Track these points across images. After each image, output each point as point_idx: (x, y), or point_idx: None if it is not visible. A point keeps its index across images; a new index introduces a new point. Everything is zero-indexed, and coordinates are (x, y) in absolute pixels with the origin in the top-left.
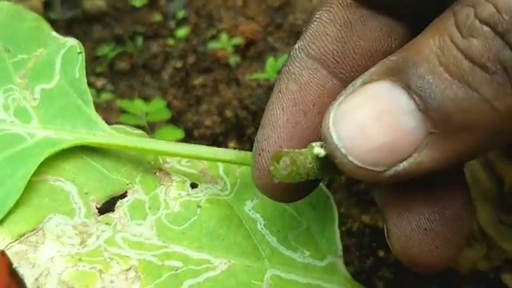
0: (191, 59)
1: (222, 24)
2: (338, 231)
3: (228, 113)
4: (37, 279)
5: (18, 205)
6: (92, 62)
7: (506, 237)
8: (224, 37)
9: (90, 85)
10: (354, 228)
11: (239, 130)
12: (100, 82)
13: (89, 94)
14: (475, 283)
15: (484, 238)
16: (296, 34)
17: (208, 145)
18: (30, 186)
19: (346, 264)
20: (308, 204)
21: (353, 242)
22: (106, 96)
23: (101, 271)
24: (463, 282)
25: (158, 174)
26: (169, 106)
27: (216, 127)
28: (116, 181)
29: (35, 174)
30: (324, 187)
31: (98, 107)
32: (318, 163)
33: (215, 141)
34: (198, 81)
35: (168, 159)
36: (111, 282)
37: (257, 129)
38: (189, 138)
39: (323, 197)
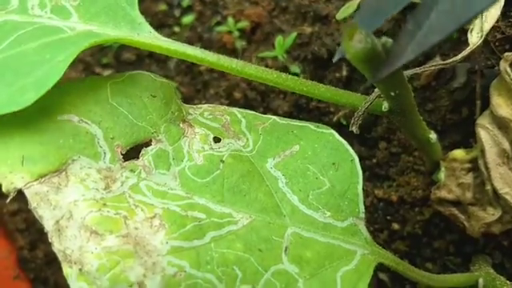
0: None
1: (226, 10)
2: (361, 193)
3: (236, 94)
4: (57, 222)
5: (40, 143)
6: (98, 52)
7: None
8: (230, 20)
9: (97, 75)
10: (367, 202)
11: (250, 107)
12: (106, 72)
13: None
14: (489, 251)
15: (499, 202)
16: (302, 15)
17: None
18: (53, 125)
19: None
20: (331, 164)
21: (366, 216)
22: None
23: (125, 217)
24: (478, 251)
25: (181, 125)
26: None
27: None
28: (141, 128)
29: (59, 111)
30: (349, 148)
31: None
32: None
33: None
34: (204, 66)
35: (191, 111)
36: (135, 228)
37: (266, 109)
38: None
39: (348, 158)
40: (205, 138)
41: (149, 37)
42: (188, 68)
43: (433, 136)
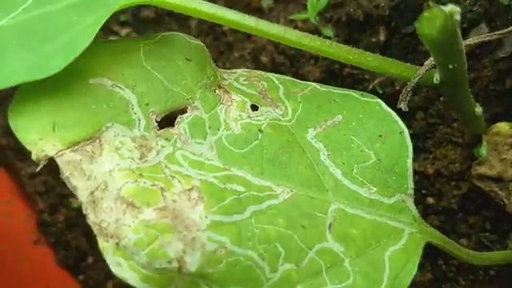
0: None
1: None
2: (411, 168)
3: (263, 58)
4: (92, 193)
5: (72, 108)
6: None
7: None
8: None
9: (115, 34)
10: None
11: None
12: (124, 31)
13: None
14: None
15: None
16: None
17: None
18: (85, 89)
19: None
20: (377, 136)
21: None
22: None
23: (162, 189)
24: None
25: (217, 91)
26: None
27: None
28: (177, 94)
29: (91, 74)
30: (398, 119)
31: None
32: None
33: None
34: (227, 27)
35: (225, 76)
36: (173, 201)
37: (296, 74)
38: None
39: (396, 129)
40: (242, 105)
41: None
42: (210, 28)
43: (478, 109)
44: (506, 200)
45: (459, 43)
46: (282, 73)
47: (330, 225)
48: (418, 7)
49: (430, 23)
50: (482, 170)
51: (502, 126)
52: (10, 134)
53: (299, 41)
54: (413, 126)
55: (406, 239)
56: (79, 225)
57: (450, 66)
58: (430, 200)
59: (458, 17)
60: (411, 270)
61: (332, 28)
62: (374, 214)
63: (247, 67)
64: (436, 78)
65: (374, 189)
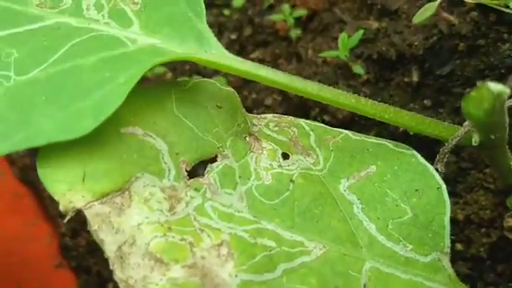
0: (247, 31)
1: None
2: (448, 225)
3: (290, 92)
4: (120, 247)
5: (102, 158)
6: None
7: None
8: (285, 7)
9: (160, 82)
10: None
11: (303, 111)
12: None
13: (202, 6)
14: None
15: None
16: (368, 7)
17: None
18: (116, 138)
19: None
20: (414, 191)
21: None
22: (158, 69)
23: (191, 244)
24: None
25: (248, 138)
26: (225, 81)
27: (277, 107)
28: (207, 142)
29: (123, 123)
30: (436, 174)
31: (148, 82)
32: None
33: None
34: (255, 55)
35: (255, 121)
36: (202, 257)
37: (322, 110)
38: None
39: (434, 184)
40: (273, 153)
41: (218, 55)
42: (238, 53)
43: None
44: None
45: (504, 119)
46: (308, 107)
47: (364, 285)
48: (453, 48)
49: (477, 104)
50: None
51: None
52: (33, 153)
53: (334, 99)
54: (444, 170)
55: None
56: (101, 250)
57: (492, 137)
58: (459, 246)
59: (506, 97)
60: None
61: (362, 64)
62: (410, 274)
63: (274, 99)
64: (475, 139)
65: (410, 246)
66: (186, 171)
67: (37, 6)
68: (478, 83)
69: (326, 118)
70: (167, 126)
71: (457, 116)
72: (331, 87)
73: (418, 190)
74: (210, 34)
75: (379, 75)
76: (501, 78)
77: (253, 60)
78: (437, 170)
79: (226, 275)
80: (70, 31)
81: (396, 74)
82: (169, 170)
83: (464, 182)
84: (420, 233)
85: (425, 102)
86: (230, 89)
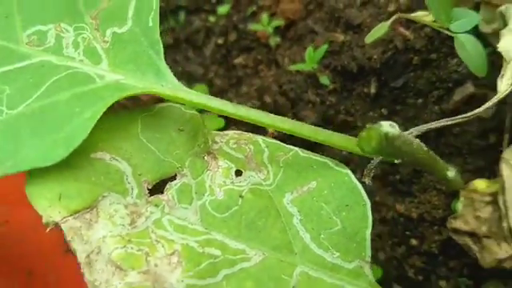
0: (232, 37)
1: (262, 0)
2: (369, 238)
3: (267, 98)
4: (88, 255)
5: (75, 180)
6: None
7: None
8: (264, 17)
9: (127, 109)
10: (388, 216)
11: (277, 114)
12: None
13: (160, 45)
14: (504, 280)
15: None
16: (336, 20)
17: (247, 131)
18: (87, 163)
19: (377, 250)
20: (345, 206)
21: (386, 229)
22: None
23: (147, 254)
24: (492, 277)
25: (206, 157)
26: (211, 83)
27: None
28: (168, 164)
29: (92, 149)
30: (363, 192)
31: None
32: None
33: (254, 126)
34: (238, 60)
35: (217, 138)
36: (155, 265)
37: (294, 117)
38: (228, 121)
39: (360, 202)
40: (227, 171)
41: (173, 89)
42: (223, 58)
43: (451, 174)
44: (478, 254)
45: (404, 148)
46: (282, 113)
47: (293, 287)
48: (407, 62)
49: (367, 143)
50: (457, 224)
51: (480, 184)
52: None
53: (272, 124)
54: (400, 172)
55: None
56: None
57: (397, 161)
58: (414, 241)
59: (396, 132)
60: None
61: (329, 75)
62: (335, 278)
63: (253, 104)
64: (396, 159)
65: (337, 254)
66: (148, 189)
67: (26, 44)
68: (368, 125)
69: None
70: (132, 150)
71: (410, 124)
72: (270, 114)
73: (348, 205)
74: (166, 69)
75: (343, 85)
76: (448, 92)
77: (236, 66)
78: (364, 183)
79: (174, 280)
80: (52, 69)
81: (357, 85)
82: (132, 189)
83: (418, 183)
84: (346, 242)
85: (382, 110)
86: (194, 112)
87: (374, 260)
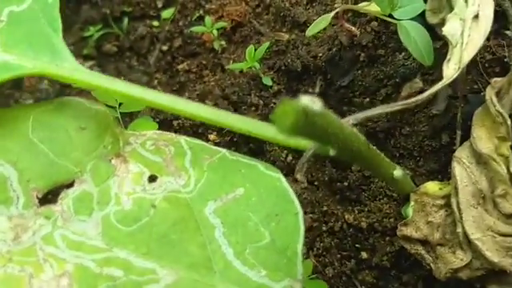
0: (177, 42)
1: (209, 4)
2: (300, 253)
3: (208, 102)
4: None
5: None
6: (79, 42)
7: (492, 246)
8: (207, 19)
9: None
10: (336, 227)
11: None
12: (87, 64)
13: (59, 22)
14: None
15: (469, 246)
16: (282, 18)
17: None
18: None
19: (325, 266)
20: (275, 215)
21: (334, 242)
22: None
23: (31, 275)
24: None
25: (113, 161)
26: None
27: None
28: (63, 167)
29: None
30: (295, 198)
31: (81, 91)
32: None
33: (195, 132)
34: (182, 66)
35: (132, 139)
36: None
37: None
38: (168, 128)
39: (292, 210)
40: (139, 176)
41: (69, 68)
42: (168, 64)
43: (397, 173)
44: (432, 265)
45: (330, 128)
46: None
47: None
48: (353, 59)
49: (283, 120)
50: (408, 231)
51: (431, 187)
52: None
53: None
54: (348, 178)
55: None
56: None
57: (330, 146)
58: (364, 254)
59: (317, 108)
60: None
61: (273, 75)
62: None
63: None
64: (331, 151)
65: (264, 272)
66: (38, 198)
67: None
68: (284, 99)
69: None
70: (19, 152)
71: (359, 125)
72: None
73: (278, 214)
74: (64, 48)
75: (288, 86)
76: (396, 89)
77: (179, 71)
78: (334, 161)
79: None
80: None
81: (302, 85)
82: (17, 197)
83: (368, 190)
84: (275, 258)
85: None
86: (100, 107)
87: (322, 276)
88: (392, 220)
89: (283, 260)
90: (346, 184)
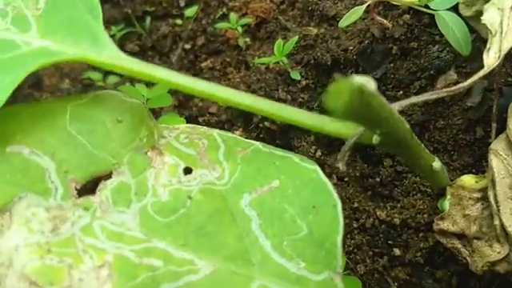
0: (200, 40)
1: (232, 1)
2: (340, 245)
3: None
4: None
5: None
6: None
7: None
8: (232, 16)
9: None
10: (368, 224)
11: (246, 117)
12: None
13: (99, 10)
14: (496, 284)
15: (507, 239)
16: (309, 13)
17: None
18: (1, 158)
19: (357, 263)
20: (311, 207)
21: (366, 239)
22: (113, 79)
23: (70, 266)
24: (483, 286)
25: (149, 153)
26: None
27: (221, 114)
28: (101, 159)
29: (9, 141)
30: (333, 190)
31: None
32: None
33: (221, 129)
34: (206, 63)
35: (166, 133)
36: (80, 280)
37: (264, 118)
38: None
39: (330, 202)
40: (174, 169)
41: (109, 55)
42: (190, 63)
43: (436, 164)
44: (469, 258)
45: (383, 113)
46: (251, 114)
47: None
48: (385, 52)
49: (336, 98)
50: (445, 225)
51: (468, 180)
52: None
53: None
54: (380, 174)
55: None
56: None
57: (378, 132)
58: (397, 251)
59: (372, 88)
60: None
61: (301, 70)
62: None
63: (218, 108)
64: (375, 138)
65: (303, 264)
66: (76, 190)
67: None
68: (337, 76)
69: (266, 124)
70: (56, 144)
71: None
72: (228, 88)
73: (316, 206)
74: (105, 35)
75: (316, 80)
76: (431, 81)
77: (203, 69)
78: (355, 147)
79: None
80: None
81: (332, 79)
82: (56, 188)
83: (401, 185)
84: (314, 250)
85: None
86: (135, 100)
87: (353, 273)
88: (426, 216)
89: (322, 252)
90: (377, 180)
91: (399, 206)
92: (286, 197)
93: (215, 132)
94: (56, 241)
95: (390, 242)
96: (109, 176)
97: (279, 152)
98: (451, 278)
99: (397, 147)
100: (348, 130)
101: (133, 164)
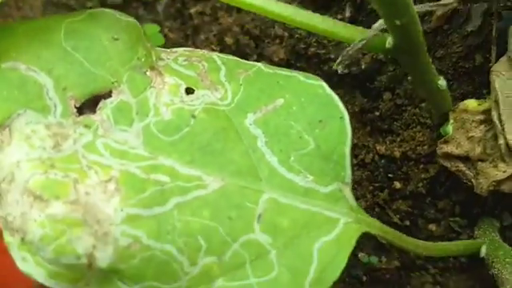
0: None
1: None
2: (349, 155)
3: (228, 40)
4: None
5: None
6: None
7: None
8: None
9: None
10: (368, 159)
11: (241, 57)
12: None
13: None
14: (498, 212)
15: (511, 157)
16: None
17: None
18: None
19: (357, 198)
20: (318, 122)
21: (366, 174)
22: None
23: (76, 180)
24: (486, 213)
25: (148, 73)
26: (165, 38)
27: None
28: (100, 77)
29: (3, 58)
30: (340, 103)
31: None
32: None
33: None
34: (194, 9)
35: (163, 55)
36: (86, 193)
37: (260, 56)
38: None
39: (337, 115)
40: (175, 88)
41: None
42: (178, 12)
43: (442, 82)
44: (473, 180)
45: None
46: (246, 54)
47: (259, 215)
48: None
49: None
50: (449, 148)
51: (470, 103)
52: None
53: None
54: (380, 108)
55: (340, 229)
56: None
57: (398, 22)
58: (398, 184)
59: None
60: (340, 263)
61: (298, 5)
62: (309, 204)
63: (212, 49)
64: (389, 41)
65: (311, 177)
66: (76, 108)
67: None
68: None
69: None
70: (53, 60)
71: None
72: None
73: (322, 120)
74: None
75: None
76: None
77: (191, 15)
78: (366, 90)
79: (111, 210)
80: None
81: (330, 13)
82: (55, 106)
83: (400, 118)
84: (321, 163)
85: None
86: (131, 19)
87: None
88: (426, 147)
89: (330, 165)
90: (377, 114)
91: (399, 139)
92: (292, 114)
93: (215, 54)
94: (59, 157)
95: (390, 175)
96: (108, 95)
97: (283, 71)
98: (454, 208)
99: (409, 53)
100: (362, 35)
101: (132, 83)
